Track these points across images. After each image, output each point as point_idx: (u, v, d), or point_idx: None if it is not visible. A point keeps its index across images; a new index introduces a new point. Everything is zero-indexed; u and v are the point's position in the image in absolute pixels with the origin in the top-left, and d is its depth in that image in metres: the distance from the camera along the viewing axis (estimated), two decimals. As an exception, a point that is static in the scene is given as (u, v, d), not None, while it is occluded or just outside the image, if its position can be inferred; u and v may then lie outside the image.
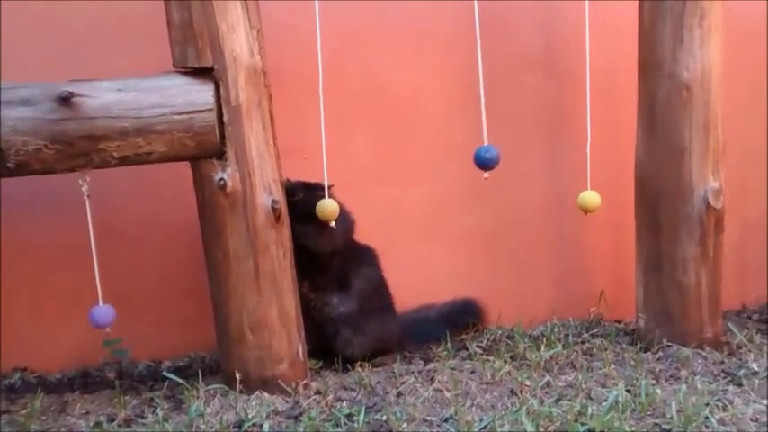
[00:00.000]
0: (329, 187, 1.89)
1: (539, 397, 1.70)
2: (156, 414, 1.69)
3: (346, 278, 2.02)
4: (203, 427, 1.61)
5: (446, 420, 1.62)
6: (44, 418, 1.76)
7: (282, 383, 1.76)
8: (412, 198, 2.27)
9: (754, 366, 1.84)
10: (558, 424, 1.55)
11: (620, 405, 1.62)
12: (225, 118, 1.68)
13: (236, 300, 1.74)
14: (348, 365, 1.98)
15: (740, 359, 1.91)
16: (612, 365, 1.90)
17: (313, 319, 1.95)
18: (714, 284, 1.97)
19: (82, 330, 1.89)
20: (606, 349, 2.03)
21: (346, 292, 2.01)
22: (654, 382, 1.78)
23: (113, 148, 1.62)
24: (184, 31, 1.67)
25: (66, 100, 1.55)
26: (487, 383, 1.82)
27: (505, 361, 1.95)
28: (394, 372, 1.92)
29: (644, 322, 2.04)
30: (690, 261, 1.95)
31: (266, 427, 1.60)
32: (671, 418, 1.57)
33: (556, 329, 2.21)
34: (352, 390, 1.82)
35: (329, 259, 1.99)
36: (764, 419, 1.58)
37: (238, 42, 1.67)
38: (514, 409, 1.65)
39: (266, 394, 1.74)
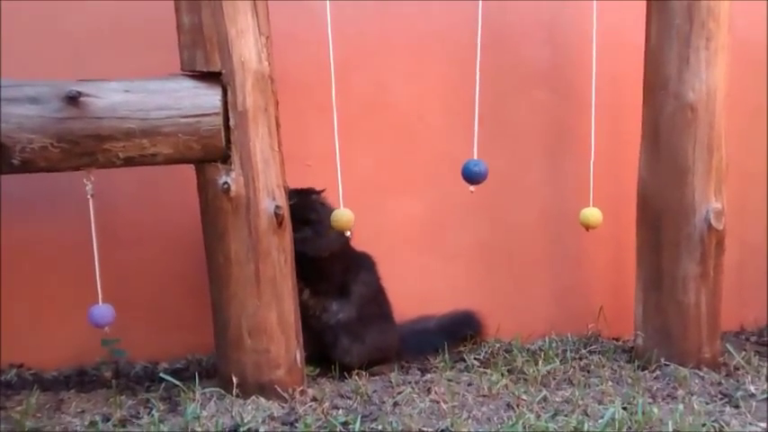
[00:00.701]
0: (321, 191, 1.91)
1: (535, 411, 1.70)
2: (152, 415, 1.69)
3: (346, 284, 2.02)
4: (199, 430, 1.60)
5: (442, 432, 1.62)
6: (39, 415, 1.76)
7: (279, 389, 1.76)
8: (412, 209, 2.28)
9: (752, 388, 1.83)
10: (554, 439, 1.56)
11: (617, 423, 1.62)
12: (231, 122, 1.68)
13: (235, 304, 1.74)
14: (345, 373, 1.97)
15: (738, 381, 1.90)
16: (610, 382, 1.90)
17: (311, 327, 1.94)
18: (714, 305, 1.97)
19: (80, 329, 1.89)
20: (604, 366, 2.03)
21: (346, 299, 2.01)
22: (651, 400, 1.78)
23: (119, 149, 1.62)
24: (194, 34, 1.67)
25: (73, 99, 1.56)
26: (484, 396, 1.82)
27: (503, 374, 1.95)
28: (391, 381, 1.92)
29: (642, 340, 2.04)
30: (690, 281, 1.95)
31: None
32: (667, 437, 1.57)
33: (554, 344, 2.20)
34: (349, 398, 1.82)
35: (329, 265, 1.99)
36: (760, 442, 1.58)
37: (247, 48, 1.68)
38: (511, 422, 1.64)
39: (262, 399, 1.74)
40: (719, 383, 1.89)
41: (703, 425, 1.62)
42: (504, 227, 2.32)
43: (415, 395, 1.82)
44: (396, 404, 1.77)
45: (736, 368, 1.99)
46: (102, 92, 1.60)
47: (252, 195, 1.70)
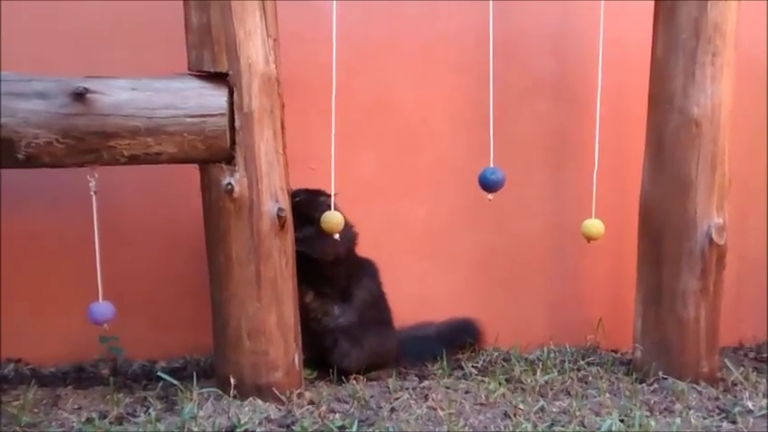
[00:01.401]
0: (335, 195, 1.90)
1: (532, 421, 1.70)
2: (149, 414, 1.69)
3: (348, 288, 2.02)
4: (195, 429, 1.60)
5: (438, 439, 1.62)
6: (36, 410, 1.76)
7: (276, 391, 1.76)
8: (414, 215, 2.28)
9: (750, 404, 1.83)
10: (550, 450, 1.55)
11: (613, 435, 1.62)
12: (236, 123, 1.68)
13: (235, 305, 1.74)
14: (343, 377, 1.98)
15: (735, 396, 1.90)
16: (607, 394, 1.89)
17: (311, 330, 1.94)
18: (713, 320, 1.97)
19: (78, 325, 1.90)
20: (601, 378, 2.02)
21: (348, 303, 2.01)
22: (648, 413, 1.77)
23: (123, 147, 1.62)
24: (202, 35, 1.68)
25: (80, 95, 1.56)
26: (481, 405, 1.82)
27: (500, 383, 1.95)
28: (388, 387, 1.92)
29: (641, 353, 2.04)
30: (690, 295, 1.95)
31: (258, 433, 1.60)
32: (663, 450, 1.57)
33: (552, 355, 2.20)
34: (346, 402, 1.82)
35: (335, 269, 1.98)
36: (757, 458, 1.58)
37: (255, 49, 1.69)
38: (508, 431, 1.64)
39: (260, 401, 1.74)
40: (717, 399, 1.88)
41: (700, 439, 1.63)
42: (506, 236, 2.33)
43: (412, 401, 1.82)
44: (393, 410, 1.77)
45: (734, 384, 1.99)
46: (109, 89, 1.61)
47: (255, 197, 1.70)
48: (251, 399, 1.74)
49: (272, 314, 1.76)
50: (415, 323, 2.20)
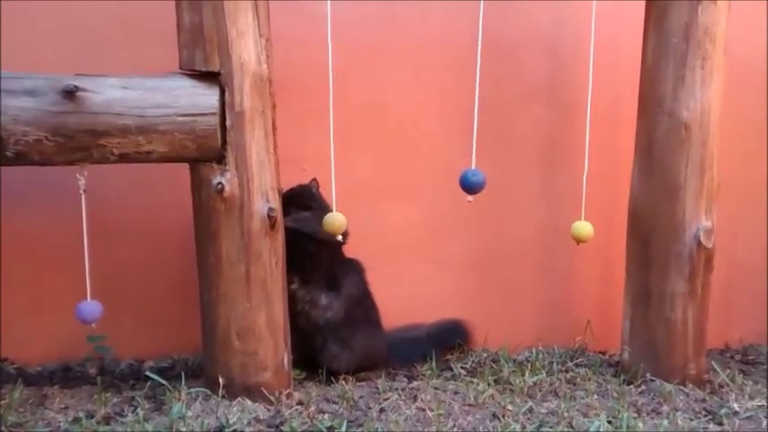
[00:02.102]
0: (311, 181, 1.96)
1: (521, 422, 1.70)
2: (137, 414, 1.69)
3: (336, 279, 2.01)
4: (183, 429, 1.60)
5: (427, 440, 1.62)
6: (22, 410, 1.75)
7: (265, 391, 1.75)
8: (406, 216, 2.29)
9: (736, 406, 1.84)
10: (539, 451, 1.56)
11: (601, 436, 1.63)
12: (228, 123, 1.68)
13: (225, 304, 1.74)
14: (332, 378, 1.97)
15: (722, 398, 1.91)
16: (595, 396, 1.90)
17: (300, 328, 1.94)
18: (700, 322, 1.99)
19: (65, 324, 1.89)
20: (589, 379, 2.03)
21: (335, 293, 2.00)
22: (636, 415, 1.78)
23: (114, 145, 1.61)
24: (194, 34, 1.67)
25: (70, 93, 1.55)
26: (470, 405, 1.82)
27: (489, 384, 1.95)
28: (377, 388, 1.92)
29: (629, 355, 2.05)
30: (678, 297, 1.96)
31: (246, 434, 1.59)
32: (650, 452, 1.57)
33: (540, 356, 2.21)
34: (335, 403, 1.82)
35: (319, 252, 1.98)
36: (743, 460, 1.59)
37: (247, 49, 1.68)
38: (496, 432, 1.65)
39: (248, 401, 1.74)
40: (704, 400, 1.90)
41: (687, 441, 1.64)
42: (496, 237, 2.33)
43: (401, 402, 1.82)
44: (382, 410, 1.77)
45: (721, 386, 2.01)
46: (100, 87, 1.60)
47: (246, 197, 1.70)
48: (240, 399, 1.74)
49: (262, 314, 1.75)
50: (405, 325, 2.20)
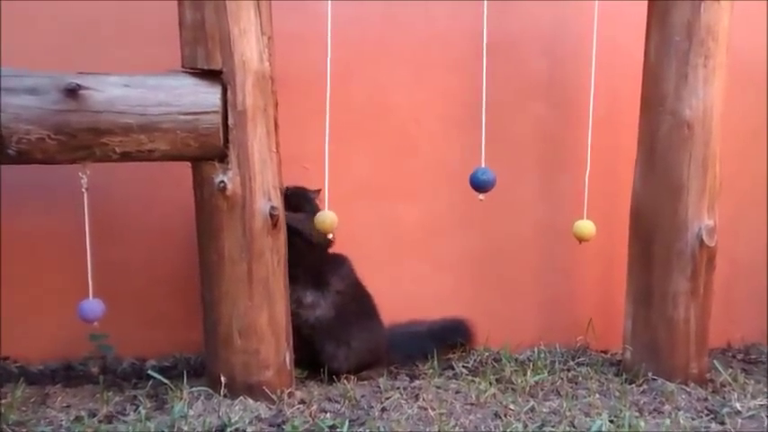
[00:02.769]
0: (318, 191, 1.95)
1: (523, 421, 1.70)
2: (139, 412, 1.69)
3: (322, 276, 2.00)
4: (185, 428, 1.60)
5: (429, 439, 1.62)
6: (24, 409, 1.75)
7: (267, 390, 1.76)
8: (407, 214, 2.28)
9: (738, 406, 1.84)
10: (541, 450, 1.56)
11: (604, 435, 1.63)
12: (230, 121, 1.68)
13: (227, 303, 1.74)
14: (334, 377, 1.97)
15: (724, 397, 1.91)
16: (597, 395, 1.90)
17: (295, 328, 1.92)
18: (702, 321, 1.99)
19: (67, 323, 1.88)
20: (591, 378, 2.03)
21: (322, 292, 1.99)
22: (637, 414, 1.78)
23: (116, 143, 1.61)
24: (196, 31, 1.67)
25: (72, 91, 1.55)
26: (472, 405, 1.82)
27: (491, 383, 1.95)
28: (379, 386, 1.92)
29: (630, 354, 2.05)
30: (680, 296, 1.96)
31: (249, 432, 1.59)
32: (653, 451, 1.57)
33: (542, 355, 2.21)
34: (337, 402, 1.82)
35: (306, 252, 1.96)
36: (745, 459, 1.59)
37: (249, 47, 1.68)
38: (498, 431, 1.65)
39: (250, 400, 1.74)
40: (706, 399, 1.90)
41: (689, 440, 1.64)
42: (498, 236, 2.33)
43: (403, 401, 1.82)
44: (384, 409, 1.77)
45: (723, 385, 2.01)
46: (102, 85, 1.60)
47: (248, 195, 1.70)
48: (241, 398, 1.74)
49: (264, 313, 1.75)
50: (407, 321, 2.20)
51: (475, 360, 2.17)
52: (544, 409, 1.79)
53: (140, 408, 1.71)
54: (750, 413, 1.81)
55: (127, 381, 1.94)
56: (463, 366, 2.11)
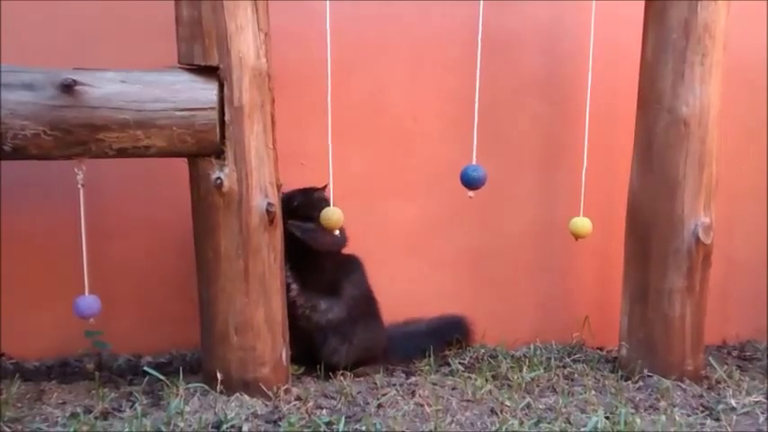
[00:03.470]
0: (323, 188, 1.92)
1: (519, 418, 1.70)
2: (135, 409, 1.68)
3: (337, 283, 2.01)
4: (181, 425, 1.59)
5: (425, 435, 1.62)
6: (19, 405, 1.74)
7: (263, 387, 1.75)
8: (404, 212, 2.28)
9: (733, 402, 1.85)
10: (537, 446, 1.56)
11: (599, 432, 1.63)
12: (227, 117, 1.67)
13: (223, 300, 1.73)
14: (330, 373, 1.97)
15: (719, 394, 1.92)
16: (593, 392, 1.90)
17: (300, 328, 1.93)
18: (698, 318, 1.99)
19: (63, 319, 1.88)
20: (587, 375, 2.04)
21: (336, 298, 2.00)
22: (633, 411, 1.78)
23: (112, 139, 1.61)
24: (192, 28, 1.66)
25: (68, 87, 1.54)
26: (468, 401, 1.82)
27: (487, 380, 1.95)
28: (375, 383, 1.92)
29: (626, 351, 2.05)
30: (676, 294, 1.96)
31: (245, 429, 1.59)
32: (648, 448, 1.58)
33: (538, 352, 2.22)
34: (333, 398, 1.82)
35: (322, 262, 1.98)
36: (740, 456, 1.59)
37: (246, 43, 1.68)
38: (494, 428, 1.65)
39: (246, 396, 1.73)
40: (701, 396, 1.90)
41: (684, 437, 1.64)
42: (495, 234, 2.33)
43: (399, 397, 1.82)
44: (380, 406, 1.77)
45: (718, 382, 2.01)
46: (98, 81, 1.59)
47: (244, 192, 1.70)
48: (238, 394, 1.74)
49: (260, 309, 1.75)
50: (405, 319, 2.20)
51: (471, 357, 2.18)
52: (540, 406, 1.80)
53: (136, 404, 1.71)
54: (745, 410, 1.82)
55: (123, 377, 1.93)
56: (459, 363, 2.11)
